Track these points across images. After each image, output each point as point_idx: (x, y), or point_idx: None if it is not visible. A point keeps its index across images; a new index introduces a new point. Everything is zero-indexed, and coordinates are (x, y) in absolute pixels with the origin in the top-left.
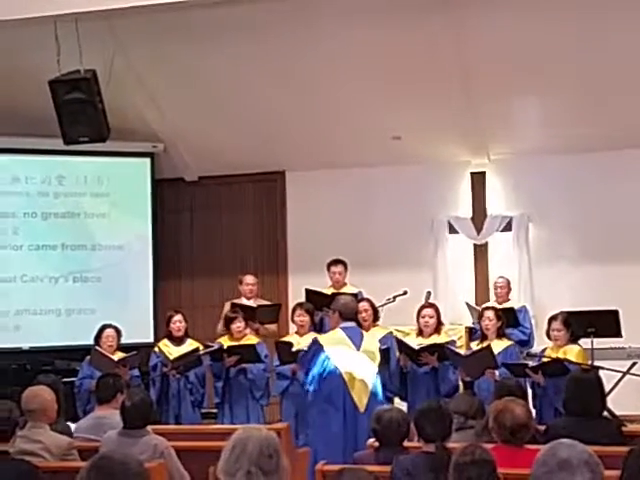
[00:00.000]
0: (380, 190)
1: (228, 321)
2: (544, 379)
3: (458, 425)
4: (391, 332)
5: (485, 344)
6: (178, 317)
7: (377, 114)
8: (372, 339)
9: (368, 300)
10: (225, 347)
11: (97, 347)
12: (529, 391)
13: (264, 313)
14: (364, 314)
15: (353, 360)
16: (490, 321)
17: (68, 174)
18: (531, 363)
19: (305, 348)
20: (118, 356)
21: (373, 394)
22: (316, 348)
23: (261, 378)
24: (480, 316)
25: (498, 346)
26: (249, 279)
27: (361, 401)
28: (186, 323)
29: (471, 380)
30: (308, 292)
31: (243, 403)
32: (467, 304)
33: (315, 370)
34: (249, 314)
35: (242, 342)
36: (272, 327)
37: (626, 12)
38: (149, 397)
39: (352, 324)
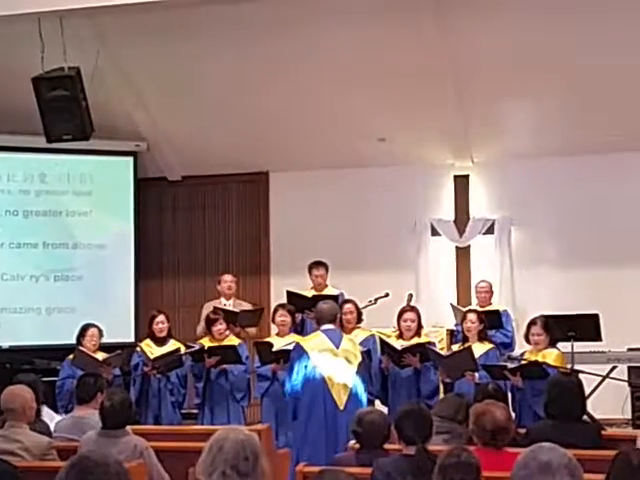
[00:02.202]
0: (363, 191)
1: (209, 323)
2: (522, 381)
3: (444, 429)
4: (373, 334)
5: (465, 346)
6: (161, 317)
7: (362, 116)
8: (351, 341)
9: (353, 302)
10: (206, 348)
11: (80, 347)
12: (509, 394)
13: (246, 318)
14: (349, 316)
15: (334, 364)
16: (472, 323)
17: (50, 172)
18: (510, 365)
19: (286, 347)
20: (100, 355)
21: (353, 394)
22: (300, 354)
23: (242, 379)
24: (463, 318)
25: (479, 349)
26: (227, 277)
27: (340, 399)
28: (169, 323)
29: (451, 382)
30: (289, 294)
31: (224, 404)
32: (452, 305)
33: (299, 378)
34: (231, 318)
35: (223, 343)
36: (252, 331)
37: (616, 18)
38: (129, 397)
39: (331, 326)
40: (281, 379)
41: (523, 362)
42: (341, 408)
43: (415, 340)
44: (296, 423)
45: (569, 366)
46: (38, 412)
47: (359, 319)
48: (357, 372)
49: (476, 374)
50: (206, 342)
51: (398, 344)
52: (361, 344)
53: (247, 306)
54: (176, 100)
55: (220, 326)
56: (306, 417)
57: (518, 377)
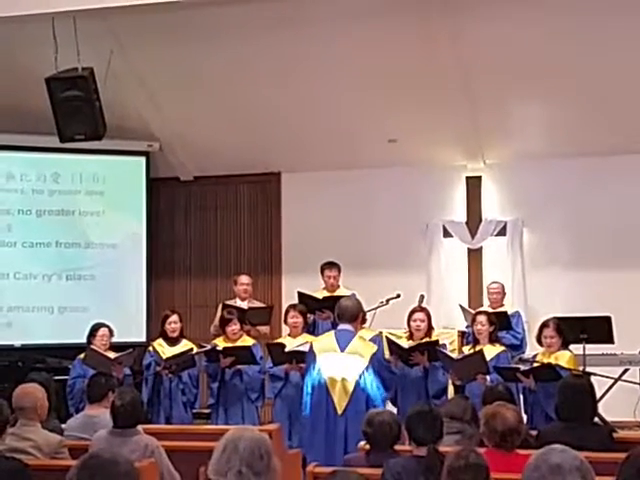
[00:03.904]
0: (375, 193)
1: (224, 323)
2: (535, 384)
3: (454, 429)
4: (379, 334)
5: (477, 349)
6: (174, 317)
7: (373, 116)
8: (364, 343)
9: None
10: (220, 348)
11: (92, 346)
12: (521, 397)
13: (255, 315)
14: None
15: (336, 363)
16: (482, 326)
17: (63, 172)
18: (522, 367)
19: (298, 348)
20: (111, 355)
21: (355, 396)
22: (311, 357)
23: (256, 380)
24: (473, 320)
25: (490, 352)
26: (244, 279)
27: (340, 404)
28: (182, 323)
29: (462, 384)
30: (300, 295)
31: (238, 405)
32: (461, 306)
33: (310, 383)
34: (240, 315)
35: (238, 344)
36: (263, 329)
37: (625, 19)
38: (139, 397)
39: (347, 326)
40: (293, 380)
41: (535, 364)
42: (339, 412)
43: (428, 340)
44: (302, 425)
45: (581, 368)
46: (50, 411)
47: (363, 320)
48: (367, 371)
49: (487, 377)
50: (220, 342)
51: (404, 344)
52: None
53: (260, 306)
54: (189, 100)
55: (234, 326)
56: (310, 421)
57: (531, 379)
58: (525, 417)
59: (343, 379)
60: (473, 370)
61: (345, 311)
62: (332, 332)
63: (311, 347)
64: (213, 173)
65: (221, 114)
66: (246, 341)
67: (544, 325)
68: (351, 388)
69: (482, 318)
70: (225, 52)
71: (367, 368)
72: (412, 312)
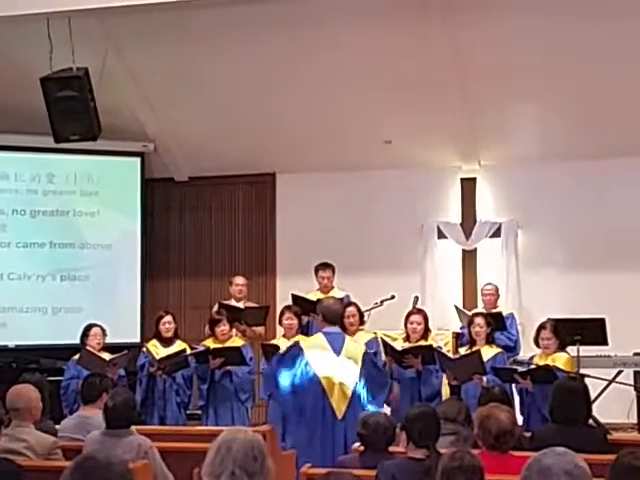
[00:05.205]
0: (370, 194)
1: (213, 323)
2: (532, 385)
3: (448, 431)
4: (376, 337)
5: (474, 349)
6: (168, 318)
7: (369, 118)
8: (355, 344)
9: (355, 305)
10: (210, 349)
11: (86, 346)
12: (517, 398)
13: (251, 315)
14: (351, 319)
15: (332, 364)
16: (480, 328)
17: (58, 172)
18: (520, 369)
19: None
20: (104, 355)
21: (353, 400)
22: (296, 351)
23: (246, 381)
24: (470, 322)
25: (487, 353)
26: (239, 280)
27: (339, 408)
28: (176, 324)
29: (458, 384)
30: (294, 298)
31: (228, 406)
32: (456, 307)
33: (293, 377)
34: (236, 315)
35: (227, 344)
36: (259, 329)
37: (623, 23)
38: (132, 397)
39: (335, 329)
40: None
41: (533, 366)
42: (339, 416)
43: (422, 344)
44: (298, 427)
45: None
46: (44, 411)
47: (361, 321)
48: (361, 376)
49: (484, 377)
50: (210, 343)
51: (400, 345)
52: (366, 346)
53: (256, 306)
54: (183, 101)
55: (223, 327)
56: (306, 424)
57: (528, 381)
58: (521, 419)
59: (341, 383)
60: (470, 370)
61: (333, 313)
62: (320, 334)
63: (298, 343)
64: (208, 174)
65: (216, 115)
66: (235, 342)
67: (541, 327)
68: (349, 392)
69: (480, 320)
70: (220, 53)
71: (360, 372)
72: (409, 314)
